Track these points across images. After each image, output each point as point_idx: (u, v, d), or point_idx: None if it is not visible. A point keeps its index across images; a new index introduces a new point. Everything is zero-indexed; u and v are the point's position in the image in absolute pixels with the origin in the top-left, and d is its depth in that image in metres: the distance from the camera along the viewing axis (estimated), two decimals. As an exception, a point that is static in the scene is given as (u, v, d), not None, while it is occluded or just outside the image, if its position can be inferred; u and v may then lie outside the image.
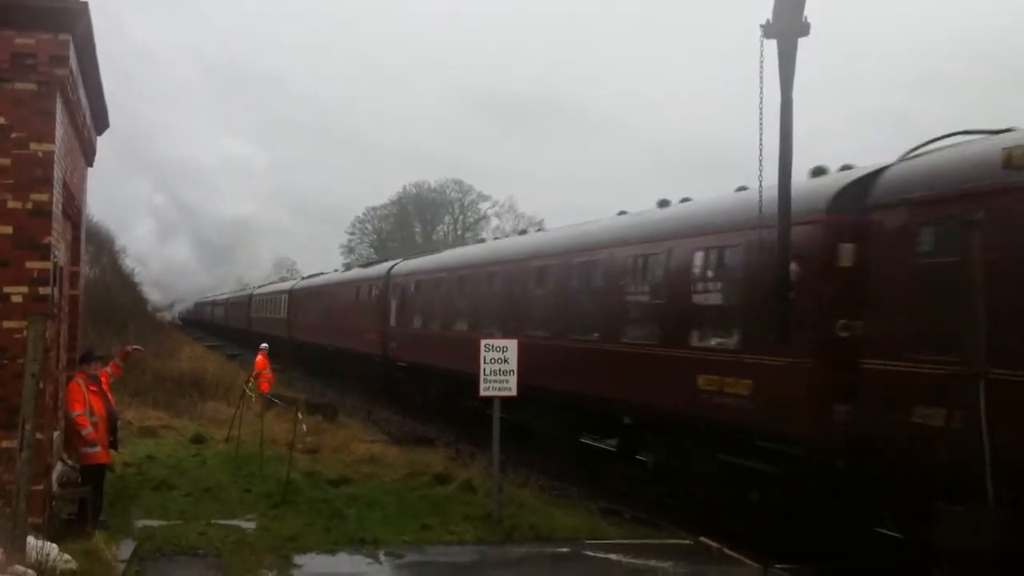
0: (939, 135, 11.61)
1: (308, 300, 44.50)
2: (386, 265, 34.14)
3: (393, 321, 30.47)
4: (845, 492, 11.77)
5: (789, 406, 12.26)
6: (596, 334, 17.58)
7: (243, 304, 67.13)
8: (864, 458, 11.23)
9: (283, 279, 68.13)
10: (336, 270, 49.00)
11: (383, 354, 31.02)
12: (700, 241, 14.71)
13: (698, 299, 14.50)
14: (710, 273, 14.35)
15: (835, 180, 12.87)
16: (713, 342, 14.09)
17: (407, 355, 28.86)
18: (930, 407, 9.95)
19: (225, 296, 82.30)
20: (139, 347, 16.61)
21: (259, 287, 66.79)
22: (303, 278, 53.59)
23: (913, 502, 10.41)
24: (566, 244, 19.89)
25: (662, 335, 15.46)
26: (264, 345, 31.31)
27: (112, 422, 12.98)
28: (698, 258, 14.66)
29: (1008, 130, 10.57)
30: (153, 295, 76.61)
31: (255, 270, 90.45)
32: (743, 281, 13.46)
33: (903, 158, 11.79)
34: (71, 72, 11.15)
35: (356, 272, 40.14)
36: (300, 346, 35.91)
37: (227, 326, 75.45)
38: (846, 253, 11.64)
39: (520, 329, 19.39)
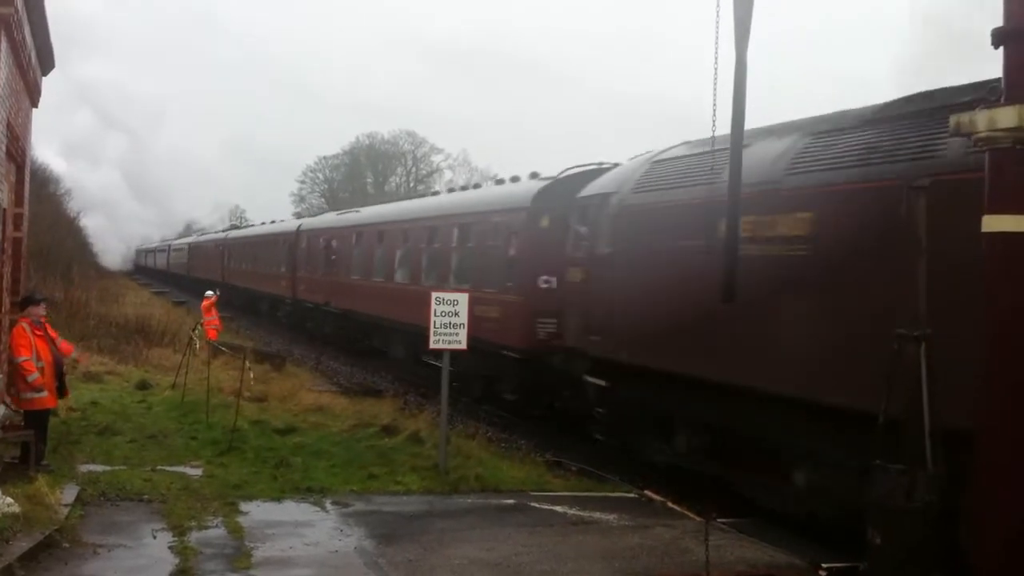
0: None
1: (198, 251, 70.62)
2: (224, 233, 63.71)
3: (227, 263, 56.77)
4: None
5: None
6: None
7: (165, 252, 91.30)
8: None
9: (234, 227, 73.60)
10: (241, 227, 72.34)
11: (223, 280, 55.33)
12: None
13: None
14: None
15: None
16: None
17: (233, 281, 53.95)
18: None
19: (155, 246, 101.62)
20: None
21: (175, 240, 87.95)
22: (198, 236, 77.91)
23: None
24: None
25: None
26: (209, 292, 31.11)
27: (58, 367, 12.85)
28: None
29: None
30: (111, 243, 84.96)
31: (201, 213, 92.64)
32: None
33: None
34: (16, 10, 10.87)
35: (216, 235, 67.04)
36: (195, 280, 62.16)
37: (155, 268, 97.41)
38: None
39: (254, 270, 49.10)
